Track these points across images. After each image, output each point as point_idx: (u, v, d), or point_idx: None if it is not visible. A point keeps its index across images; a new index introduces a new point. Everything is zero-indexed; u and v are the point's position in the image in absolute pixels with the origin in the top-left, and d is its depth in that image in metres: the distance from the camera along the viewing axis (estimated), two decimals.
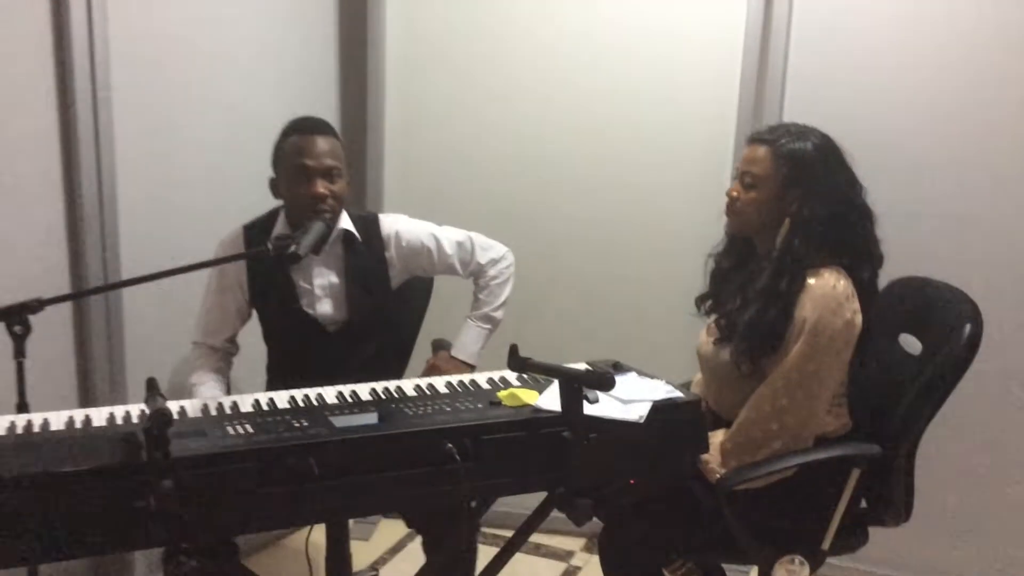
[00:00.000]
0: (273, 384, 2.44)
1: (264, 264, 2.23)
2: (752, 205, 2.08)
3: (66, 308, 2.42)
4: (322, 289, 2.36)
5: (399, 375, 2.51)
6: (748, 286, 2.10)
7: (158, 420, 1.37)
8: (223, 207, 2.73)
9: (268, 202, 2.41)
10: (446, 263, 2.47)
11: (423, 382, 2.08)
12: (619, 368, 2.20)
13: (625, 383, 2.01)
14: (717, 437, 2.08)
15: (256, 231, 2.34)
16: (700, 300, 2.32)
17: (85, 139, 2.40)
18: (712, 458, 2.05)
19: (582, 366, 2.22)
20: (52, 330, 2.36)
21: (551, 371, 1.76)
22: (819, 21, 2.81)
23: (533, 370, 1.80)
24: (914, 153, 2.75)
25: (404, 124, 3.19)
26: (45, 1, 2.30)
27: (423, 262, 2.47)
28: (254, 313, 2.44)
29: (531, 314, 3.13)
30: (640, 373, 2.11)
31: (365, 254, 2.39)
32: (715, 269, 2.28)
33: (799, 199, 2.03)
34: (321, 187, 2.23)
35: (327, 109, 3.14)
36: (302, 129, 2.27)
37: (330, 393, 1.98)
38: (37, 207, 2.36)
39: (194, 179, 2.76)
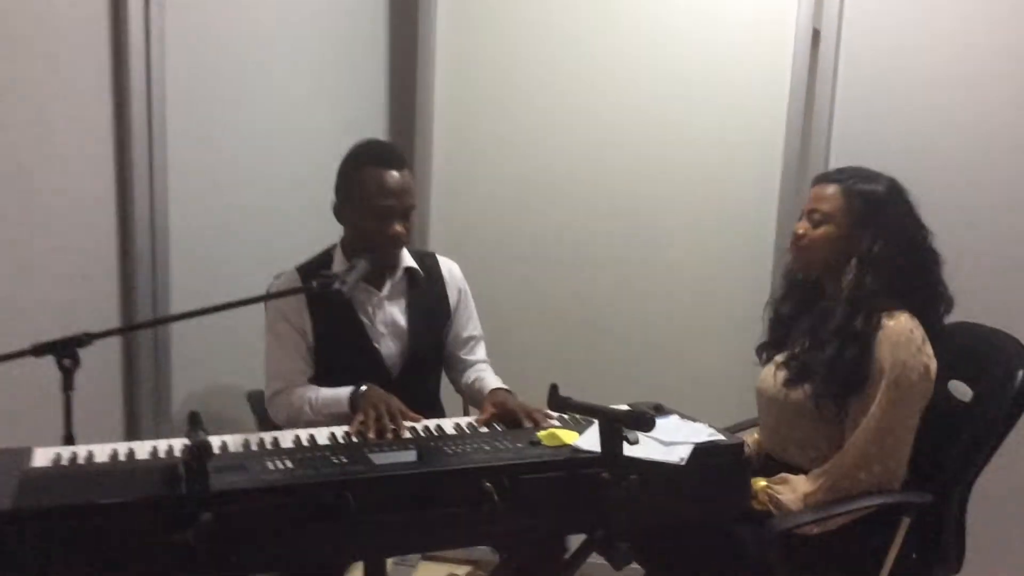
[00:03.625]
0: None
1: (326, 303, 2.13)
2: (820, 242, 2.08)
3: (115, 341, 2.45)
4: (385, 326, 2.29)
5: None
6: (819, 327, 2.08)
7: (198, 453, 1.38)
8: (276, 239, 2.77)
9: (323, 233, 2.39)
10: (465, 326, 2.42)
11: (463, 421, 2.07)
12: (661, 410, 2.17)
13: (667, 425, 1.99)
14: (800, 485, 2.03)
15: (310, 271, 2.24)
16: (761, 349, 2.29)
17: (139, 171, 2.42)
18: (794, 503, 2.01)
19: (623, 408, 2.22)
20: (100, 363, 2.38)
21: (590, 411, 1.75)
22: (867, 57, 2.79)
23: (572, 410, 1.79)
24: (962, 193, 2.71)
25: (451, 150, 3.16)
26: (104, 32, 2.35)
27: (461, 312, 2.43)
28: None
29: (570, 352, 3.12)
30: (682, 416, 2.08)
31: (427, 292, 2.34)
32: (775, 316, 2.27)
33: (869, 238, 2.02)
34: (399, 228, 2.17)
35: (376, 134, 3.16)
36: (380, 161, 2.17)
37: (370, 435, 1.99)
38: (88, 238, 2.39)
39: (247, 210, 2.76)
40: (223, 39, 2.68)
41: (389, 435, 1.92)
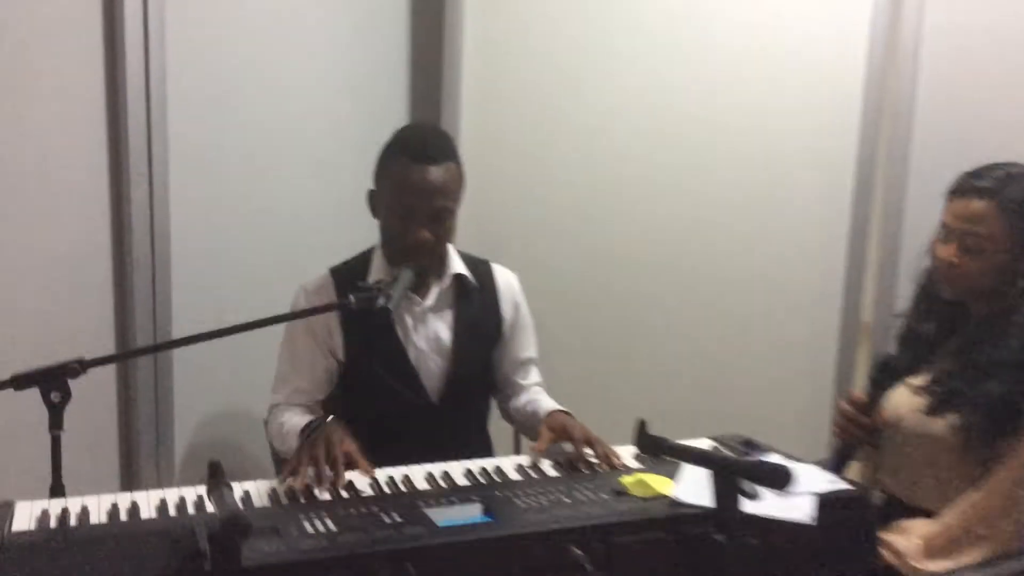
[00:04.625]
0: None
1: (362, 315, 1.81)
2: (979, 271, 1.77)
3: (109, 370, 2.15)
4: (427, 342, 1.95)
5: (488, 453, 2.14)
6: (975, 352, 1.77)
7: (232, 528, 1.05)
8: (289, 242, 2.46)
9: (344, 251, 2.08)
10: (521, 347, 2.09)
11: (525, 462, 1.76)
12: (752, 446, 1.87)
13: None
14: (921, 527, 1.73)
15: (346, 276, 1.94)
16: (884, 369, 1.96)
17: (137, 170, 2.16)
18: (909, 551, 1.70)
19: (706, 443, 1.91)
20: (93, 395, 2.08)
21: (701, 460, 1.43)
22: (951, 50, 2.50)
23: (671, 454, 1.48)
24: None
25: (480, 149, 2.75)
26: (96, 26, 2.10)
27: (518, 331, 2.09)
28: None
29: (614, 370, 2.81)
30: (784, 454, 1.78)
31: (480, 305, 2.01)
32: (910, 334, 1.96)
33: None
34: (425, 233, 1.84)
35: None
36: (412, 152, 1.84)
37: (418, 475, 1.67)
38: (79, 246, 2.13)
39: (256, 214, 2.45)
40: (228, 32, 2.36)
41: (322, 488, 1.56)
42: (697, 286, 2.80)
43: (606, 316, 2.83)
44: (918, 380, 1.88)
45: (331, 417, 1.77)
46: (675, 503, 1.52)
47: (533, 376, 2.11)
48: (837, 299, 2.70)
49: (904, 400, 1.87)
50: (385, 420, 1.90)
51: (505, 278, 2.07)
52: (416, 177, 1.82)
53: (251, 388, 2.20)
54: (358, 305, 1.63)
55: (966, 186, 1.80)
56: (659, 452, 1.50)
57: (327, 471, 1.58)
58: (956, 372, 1.81)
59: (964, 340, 1.84)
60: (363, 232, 2.04)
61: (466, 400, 2.02)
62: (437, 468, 1.70)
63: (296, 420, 1.86)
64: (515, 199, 2.83)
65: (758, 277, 2.76)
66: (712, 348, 2.81)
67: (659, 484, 1.58)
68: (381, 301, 1.59)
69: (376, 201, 1.93)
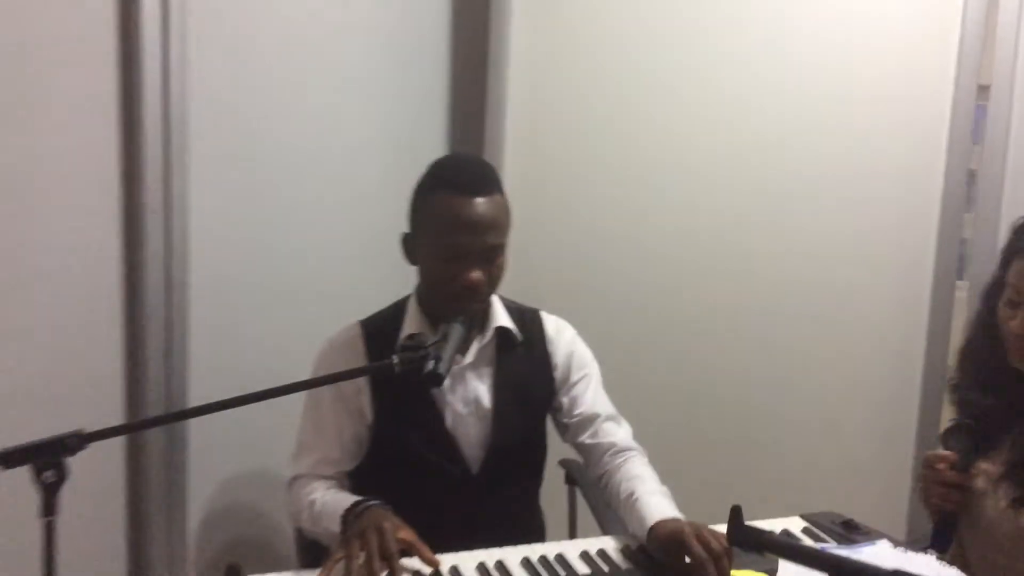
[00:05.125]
0: None
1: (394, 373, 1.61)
2: None
3: (116, 443, 1.94)
4: (466, 405, 1.71)
5: (540, 533, 1.89)
6: None
7: None
8: (318, 313, 2.13)
9: (373, 289, 1.86)
10: (582, 400, 1.79)
11: (590, 547, 1.52)
12: (853, 528, 1.63)
13: (877, 557, 1.44)
14: None
15: (378, 330, 1.72)
16: (951, 442, 1.69)
17: (152, 203, 1.97)
18: None
19: (797, 524, 1.66)
20: (95, 470, 1.85)
21: (821, 563, 1.19)
22: None
23: (777, 552, 1.25)
24: None
25: (527, 172, 2.45)
26: (111, 39, 1.90)
27: (577, 383, 1.80)
28: None
29: (668, 422, 2.48)
30: (891, 539, 1.54)
31: (526, 360, 1.75)
32: (964, 406, 1.68)
33: None
34: (476, 274, 1.59)
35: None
36: (457, 185, 1.60)
37: (468, 564, 1.45)
38: (85, 293, 1.93)
39: (280, 252, 2.20)
40: (254, 45, 2.13)
41: None
42: (766, 324, 2.53)
43: (667, 366, 2.54)
44: (992, 466, 1.61)
45: (377, 501, 1.53)
46: None
47: (615, 434, 1.77)
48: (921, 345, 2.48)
49: (981, 498, 1.61)
50: (419, 494, 1.65)
51: (557, 327, 1.82)
52: (464, 212, 1.58)
53: (271, 447, 1.98)
54: (402, 367, 1.40)
55: None
56: (760, 548, 1.27)
57: (381, 565, 1.37)
58: None
59: None
60: (393, 270, 1.82)
61: (511, 471, 1.75)
62: (490, 556, 1.48)
63: (329, 497, 1.62)
64: (564, 229, 2.51)
65: (833, 320, 2.53)
66: (781, 400, 2.56)
67: None
68: (431, 366, 1.35)
69: (413, 245, 1.68)
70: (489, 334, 1.72)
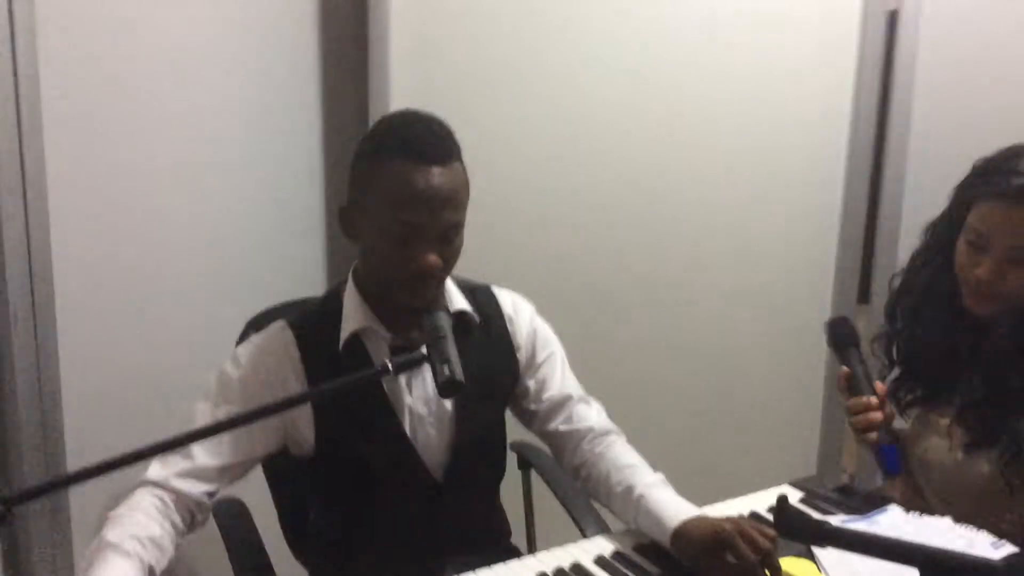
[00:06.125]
0: (327, 556, 1.58)
1: (331, 370, 1.38)
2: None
3: None
4: (427, 406, 1.48)
5: (507, 533, 1.71)
6: (1014, 376, 1.48)
7: None
8: (187, 314, 1.95)
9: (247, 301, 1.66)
10: (550, 383, 1.60)
11: (606, 551, 1.37)
12: (849, 494, 1.58)
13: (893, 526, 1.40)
14: None
15: (311, 327, 1.44)
16: (903, 398, 1.66)
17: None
18: None
19: (790, 492, 1.58)
20: None
21: (899, 555, 1.09)
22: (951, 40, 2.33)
23: (837, 544, 1.14)
24: None
25: None
26: None
27: (542, 365, 1.60)
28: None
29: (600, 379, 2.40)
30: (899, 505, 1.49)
31: (485, 345, 1.52)
32: (926, 360, 1.63)
33: None
34: (432, 257, 1.35)
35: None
36: (413, 151, 1.34)
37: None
38: None
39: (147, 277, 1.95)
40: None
41: None
42: (673, 300, 2.48)
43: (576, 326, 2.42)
44: (938, 417, 1.60)
45: None
46: None
47: (583, 418, 1.58)
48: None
49: (933, 442, 1.60)
50: (377, 509, 1.45)
51: (513, 303, 1.60)
52: (419, 184, 1.32)
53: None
54: (397, 373, 1.18)
55: (1011, 190, 1.46)
56: (816, 541, 1.18)
57: None
58: (988, 402, 1.51)
59: (992, 363, 1.52)
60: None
61: (475, 473, 1.55)
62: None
63: (110, 555, 1.20)
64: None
65: (744, 289, 2.51)
66: (699, 363, 2.53)
67: (806, 572, 1.25)
68: (445, 372, 1.13)
69: (353, 219, 1.42)
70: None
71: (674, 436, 2.43)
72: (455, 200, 1.37)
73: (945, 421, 1.58)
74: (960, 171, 2.38)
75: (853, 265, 2.52)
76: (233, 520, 1.57)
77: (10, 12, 1.59)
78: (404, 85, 2.21)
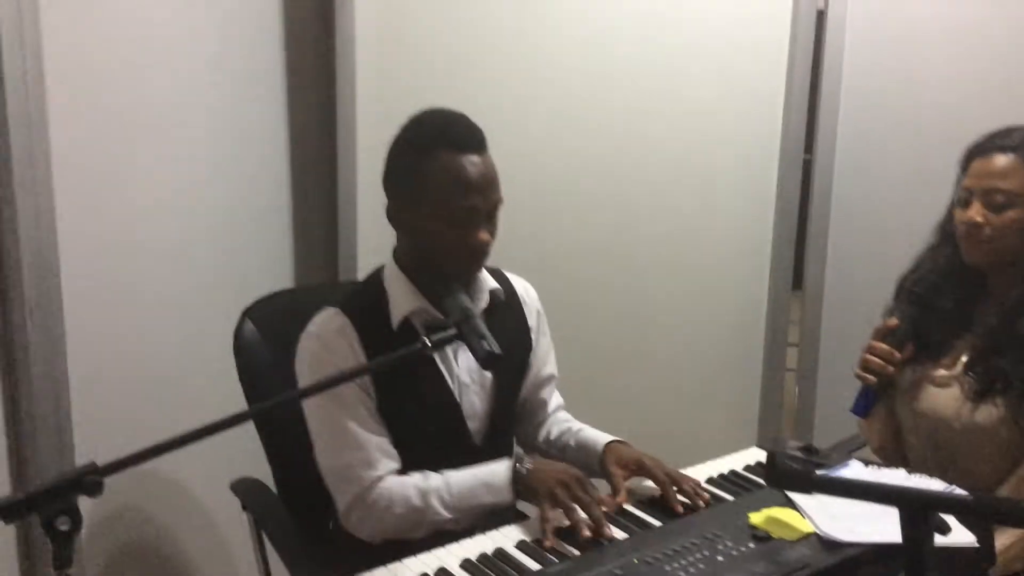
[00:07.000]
0: None
1: (390, 346, 1.47)
2: (1010, 228, 1.68)
3: None
4: (471, 375, 1.62)
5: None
6: (1017, 326, 1.69)
7: None
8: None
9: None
10: (545, 361, 1.80)
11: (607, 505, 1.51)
12: (813, 451, 1.73)
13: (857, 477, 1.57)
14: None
15: (362, 311, 1.56)
16: (900, 342, 1.82)
17: None
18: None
19: (756, 453, 1.75)
20: None
21: (881, 496, 1.26)
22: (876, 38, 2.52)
23: (826, 491, 1.30)
24: None
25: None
26: None
27: (542, 343, 1.79)
28: None
29: None
30: (861, 460, 1.66)
31: (509, 322, 1.68)
32: (922, 316, 1.82)
33: None
34: (485, 235, 1.51)
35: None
36: (457, 144, 1.50)
37: (509, 540, 1.40)
38: None
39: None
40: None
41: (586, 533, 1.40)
42: (622, 282, 2.62)
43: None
44: (942, 371, 1.80)
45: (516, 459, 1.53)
46: (833, 544, 1.35)
47: (556, 398, 1.83)
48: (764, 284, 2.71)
49: (937, 395, 1.79)
50: (421, 469, 1.56)
51: (523, 285, 1.77)
52: (471, 171, 1.48)
53: None
54: (434, 348, 1.29)
55: (988, 145, 1.73)
56: (807, 489, 1.33)
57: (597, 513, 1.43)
58: (995, 351, 1.72)
59: (997, 314, 1.74)
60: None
61: (505, 439, 1.72)
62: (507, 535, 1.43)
63: (457, 479, 1.52)
64: None
65: (685, 267, 2.66)
66: (642, 337, 2.67)
67: (796, 520, 1.41)
68: (485, 346, 1.26)
69: (405, 212, 1.54)
70: (484, 299, 1.62)
71: (620, 412, 2.56)
72: (496, 181, 1.54)
73: (943, 373, 1.77)
74: (886, 164, 2.62)
75: (788, 254, 2.70)
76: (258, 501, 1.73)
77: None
78: (370, 83, 2.30)
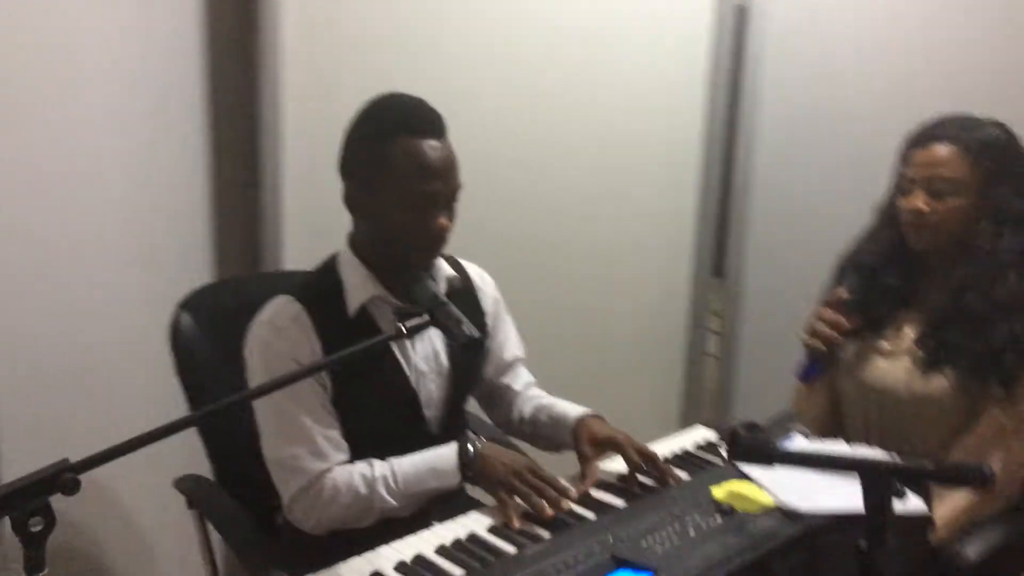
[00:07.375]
0: None
1: (344, 333, 1.46)
2: (952, 214, 1.76)
3: None
4: (428, 363, 1.60)
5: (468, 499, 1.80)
6: (967, 300, 1.76)
7: None
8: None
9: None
10: (505, 346, 1.79)
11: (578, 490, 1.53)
12: (756, 428, 1.78)
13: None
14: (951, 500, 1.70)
15: (317, 298, 1.52)
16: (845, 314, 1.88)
17: None
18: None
19: (704, 433, 1.80)
20: None
21: (843, 465, 1.32)
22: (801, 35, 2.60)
23: (791, 462, 1.35)
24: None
25: (307, 140, 2.20)
26: None
27: (500, 329, 1.78)
28: None
29: None
30: (804, 434, 1.73)
31: (466, 310, 1.51)
32: (870, 294, 1.88)
33: (1009, 193, 1.76)
34: (444, 220, 1.50)
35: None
36: (418, 128, 1.48)
37: (480, 526, 1.40)
38: None
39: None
40: None
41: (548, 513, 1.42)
42: (551, 275, 2.63)
43: None
44: (886, 344, 1.90)
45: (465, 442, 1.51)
46: (795, 515, 1.40)
47: (525, 377, 1.82)
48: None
49: (885, 367, 1.86)
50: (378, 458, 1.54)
51: (478, 272, 1.76)
52: (431, 156, 1.46)
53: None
54: (411, 335, 1.28)
55: (927, 135, 1.81)
56: (770, 461, 1.37)
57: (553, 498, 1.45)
58: (945, 325, 1.80)
59: (944, 291, 1.83)
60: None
61: (461, 427, 1.69)
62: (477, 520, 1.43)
63: (404, 465, 1.49)
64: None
65: (609, 263, 2.70)
66: (571, 325, 2.70)
67: (756, 494, 1.46)
68: (466, 330, 1.25)
69: (364, 198, 1.51)
70: (443, 284, 1.61)
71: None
72: (457, 167, 1.52)
73: (888, 347, 1.85)
74: (805, 154, 2.69)
75: (709, 242, 2.79)
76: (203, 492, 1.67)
77: None
78: (297, 65, 2.20)
